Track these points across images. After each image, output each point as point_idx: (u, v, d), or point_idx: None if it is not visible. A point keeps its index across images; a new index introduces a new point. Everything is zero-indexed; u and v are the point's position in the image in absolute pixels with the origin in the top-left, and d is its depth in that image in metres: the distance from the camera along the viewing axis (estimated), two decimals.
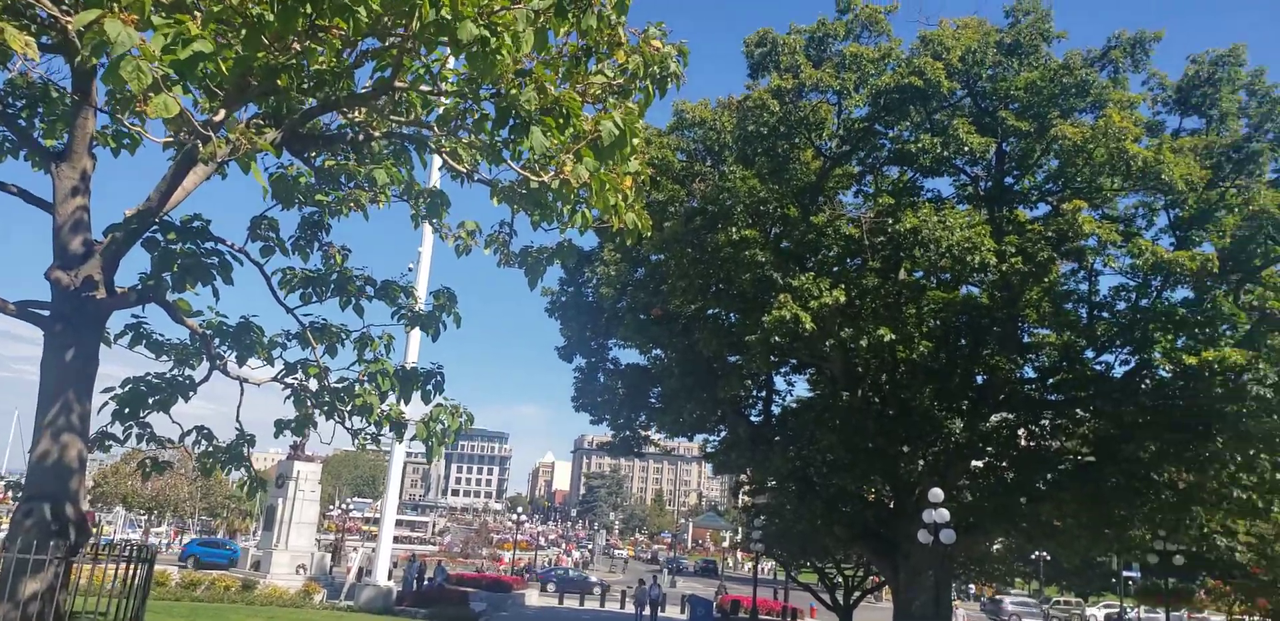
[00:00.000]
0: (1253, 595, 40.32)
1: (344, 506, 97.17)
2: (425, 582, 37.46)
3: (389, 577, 32.15)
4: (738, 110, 21.94)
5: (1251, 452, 21.99)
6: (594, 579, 55.46)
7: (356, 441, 8.34)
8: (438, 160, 7.72)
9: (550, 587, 49.71)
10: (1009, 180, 23.32)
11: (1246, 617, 41.50)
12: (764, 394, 30.37)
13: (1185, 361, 20.47)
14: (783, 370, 29.89)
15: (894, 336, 21.58)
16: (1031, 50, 21.61)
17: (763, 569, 68.49)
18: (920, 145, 21.12)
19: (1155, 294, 22.58)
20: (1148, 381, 23.44)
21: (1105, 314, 23.76)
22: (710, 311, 25.61)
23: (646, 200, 23.15)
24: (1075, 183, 21.26)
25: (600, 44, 6.34)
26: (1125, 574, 57.03)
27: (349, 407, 7.95)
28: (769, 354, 23.58)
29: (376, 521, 51.60)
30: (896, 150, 22.96)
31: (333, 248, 8.60)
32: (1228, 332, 21.30)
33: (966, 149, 20.57)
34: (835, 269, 22.84)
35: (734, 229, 21.90)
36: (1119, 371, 24.35)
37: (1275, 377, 20.54)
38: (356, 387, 7.87)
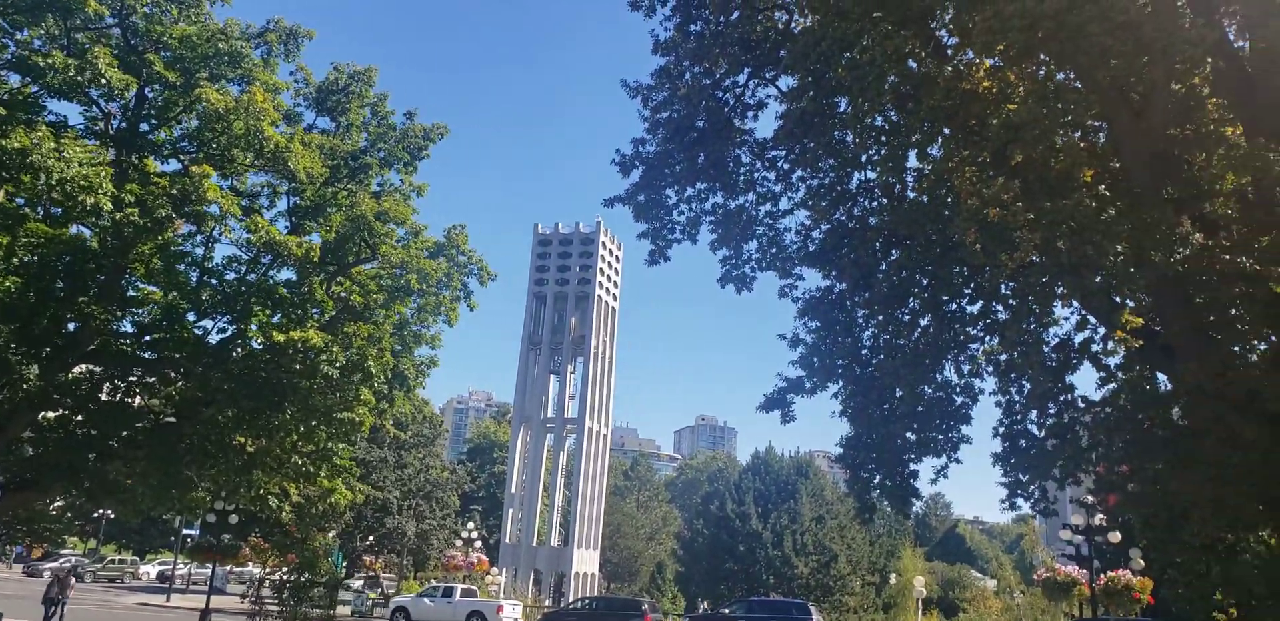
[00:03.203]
0: (285, 551, 46.30)
1: None
2: None
3: None
4: None
5: (314, 424, 24.98)
6: None
7: None
8: None
9: None
10: (145, 127, 22.40)
11: (274, 569, 47.17)
12: None
13: (275, 337, 22.29)
14: None
15: None
16: (194, 3, 21.32)
17: None
18: (52, 61, 18.87)
19: (264, 270, 24.20)
20: (239, 350, 24.82)
21: (215, 281, 24.50)
22: None
23: None
24: (211, 148, 21.57)
25: None
26: (186, 532, 58.92)
27: None
28: None
29: None
30: (22, 57, 20.06)
31: None
32: (316, 316, 23.99)
33: (105, 81, 19.09)
34: None
35: None
36: (216, 338, 25.30)
37: (344, 361, 23.80)
38: None
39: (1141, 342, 15.84)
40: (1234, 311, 14.62)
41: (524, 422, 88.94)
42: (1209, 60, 13.49)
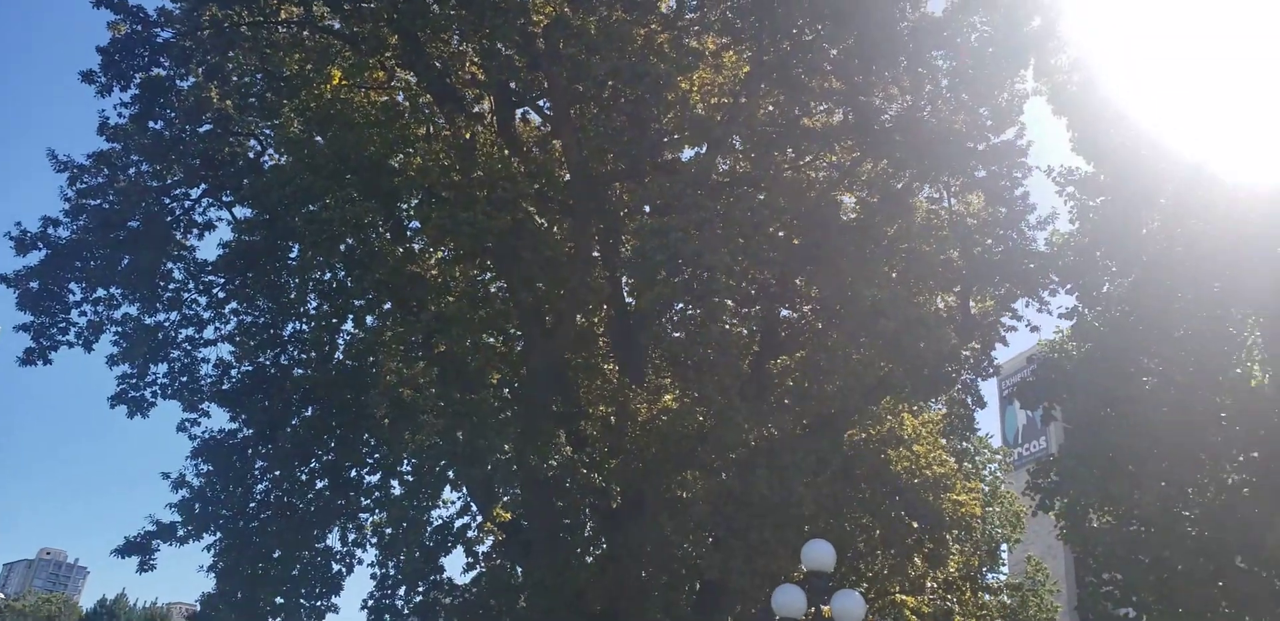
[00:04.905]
0: None
1: None
2: None
3: None
4: None
5: None
6: None
7: None
8: None
9: None
10: None
11: None
12: None
13: None
14: None
15: None
16: None
17: None
18: None
19: None
20: None
21: None
22: None
23: None
24: None
25: None
26: None
27: None
28: None
29: None
30: None
31: None
32: None
33: None
34: None
35: None
36: None
37: None
38: None
39: (505, 535, 17.20)
40: (581, 518, 16.65)
41: None
42: (605, 306, 15.91)
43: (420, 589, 18.09)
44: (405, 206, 17.47)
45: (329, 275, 18.71)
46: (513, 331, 17.09)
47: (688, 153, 14.73)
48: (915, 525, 14.97)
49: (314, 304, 18.95)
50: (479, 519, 17.99)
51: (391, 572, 18.31)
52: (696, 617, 15.72)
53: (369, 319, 18.28)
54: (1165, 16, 12.49)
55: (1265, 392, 11.96)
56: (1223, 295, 11.62)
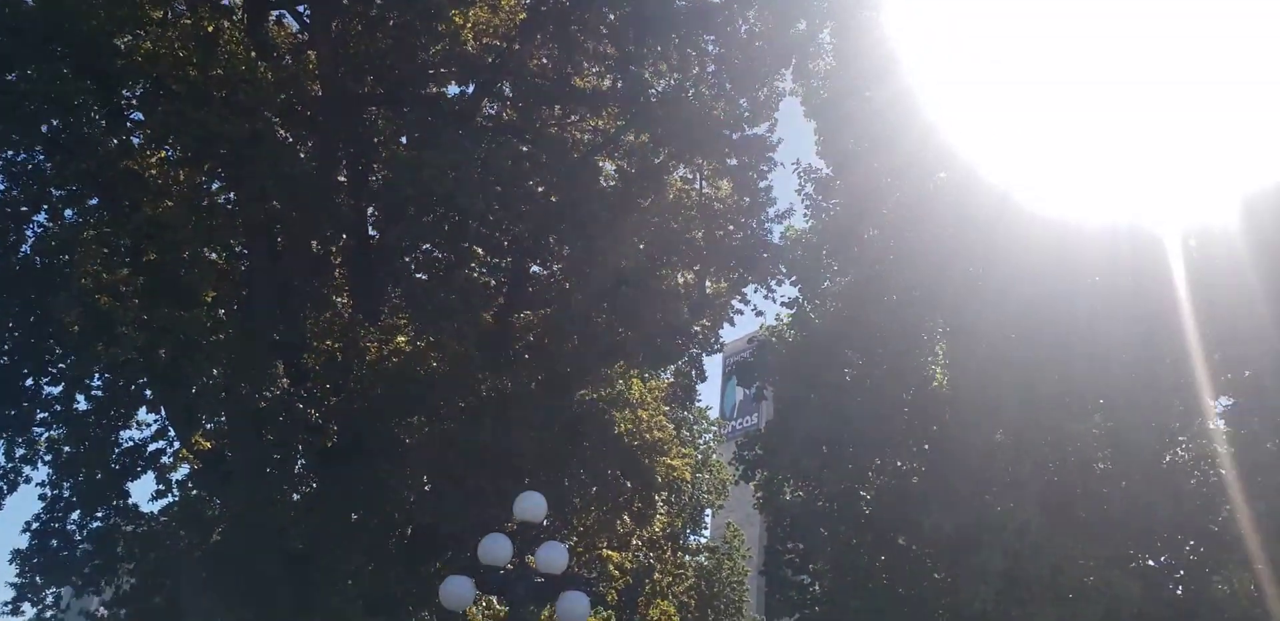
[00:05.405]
0: None
1: None
2: None
3: None
4: None
5: None
6: None
7: None
8: None
9: None
10: None
11: None
12: None
13: None
14: None
15: None
16: None
17: None
18: None
19: None
20: None
21: None
22: None
23: None
24: None
25: None
26: None
27: None
28: None
29: None
30: None
31: None
32: None
33: None
34: None
35: None
36: None
37: None
38: None
39: (204, 465, 16.07)
40: (292, 454, 15.83)
41: None
42: (345, 235, 14.89)
43: (99, 514, 16.60)
44: (128, 94, 15.33)
45: (24, 156, 16.18)
46: (237, 249, 15.66)
47: (453, 90, 13.87)
48: (629, 484, 15.48)
49: (1, 186, 16.39)
50: (176, 444, 16.66)
51: (66, 494, 16.66)
52: (404, 562, 15.53)
53: (68, 212, 16.08)
54: (928, 39, 13.07)
55: (942, 393, 13.27)
56: (921, 304, 12.69)
